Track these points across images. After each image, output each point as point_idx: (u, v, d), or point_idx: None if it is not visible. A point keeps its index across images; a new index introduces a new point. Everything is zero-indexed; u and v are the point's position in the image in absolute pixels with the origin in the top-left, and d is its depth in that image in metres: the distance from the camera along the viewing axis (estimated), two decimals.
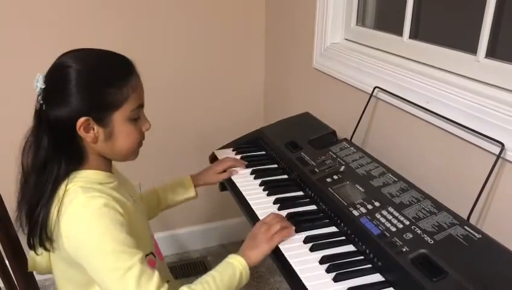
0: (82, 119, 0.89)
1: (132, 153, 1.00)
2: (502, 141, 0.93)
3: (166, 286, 0.88)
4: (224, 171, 1.35)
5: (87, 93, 0.90)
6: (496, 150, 0.93)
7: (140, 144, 1.00)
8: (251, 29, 2.02)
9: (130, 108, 0.93)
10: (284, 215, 1.10)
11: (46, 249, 0.94)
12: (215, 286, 0.92)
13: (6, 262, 1.09)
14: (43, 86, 0.89)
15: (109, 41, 1.77)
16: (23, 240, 1.02)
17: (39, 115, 0.92)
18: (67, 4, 1.73)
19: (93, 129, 0.92)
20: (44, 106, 0.90)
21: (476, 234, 0.88)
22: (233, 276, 0.96)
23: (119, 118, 0.93)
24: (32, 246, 0.95)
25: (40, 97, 0.90)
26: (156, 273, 0.89)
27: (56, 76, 0.90)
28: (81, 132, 0.91)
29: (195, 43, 1.95)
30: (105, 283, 0.88)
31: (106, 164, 0.99)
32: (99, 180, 0.95)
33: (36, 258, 1.04)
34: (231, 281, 0.95)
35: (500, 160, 0.93)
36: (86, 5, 1.76)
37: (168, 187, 1.32)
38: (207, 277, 0.94)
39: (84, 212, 0.88)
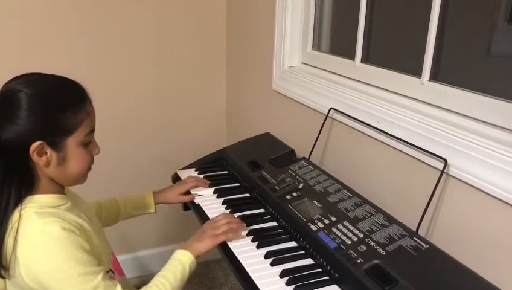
0: (36, 144, 0.89)
1: (82, 177, 1.01)
2: (445, 157, 1.00)
3: None
4: (187, 192, 1.37)
5: (42, 117, 0.90)
6: (440, 165, 1.01)
7: (90, 168, 1.02)
8: (213, 52, 2.07)
9: (83, 133, 0.95)
10: (246, 232, 1.14)
11: (1, 276, 0.93)
12: (170, 284, 1.00)
13: None
14: None
15: (65, 65, 1.79)
16: None
17: None
18: (19, 27, 1.73)
19: (47, 153, 0.92)
20: None
21: (424, 245, 0.94)
22: (184, 271, 1.04)
23: (72, 143, 0.94)
24: None
25: None
26: (118, 286, 0.93)
27: (8, 100, 0.89)
28: (34, 156, 0.90)
29: (157, 65, 1.98)
30: None
31: (58, 186, 0.99)
32: (52, 204, 0.95)
33: None
34: (182, 275, 1.04)
35: (444, 175, 1.01)
36: (36, 27, 1.76)
37: (128, 202, 1.35)
38: (160, 278, 1.01)
39: (42, 240, 0.88)
